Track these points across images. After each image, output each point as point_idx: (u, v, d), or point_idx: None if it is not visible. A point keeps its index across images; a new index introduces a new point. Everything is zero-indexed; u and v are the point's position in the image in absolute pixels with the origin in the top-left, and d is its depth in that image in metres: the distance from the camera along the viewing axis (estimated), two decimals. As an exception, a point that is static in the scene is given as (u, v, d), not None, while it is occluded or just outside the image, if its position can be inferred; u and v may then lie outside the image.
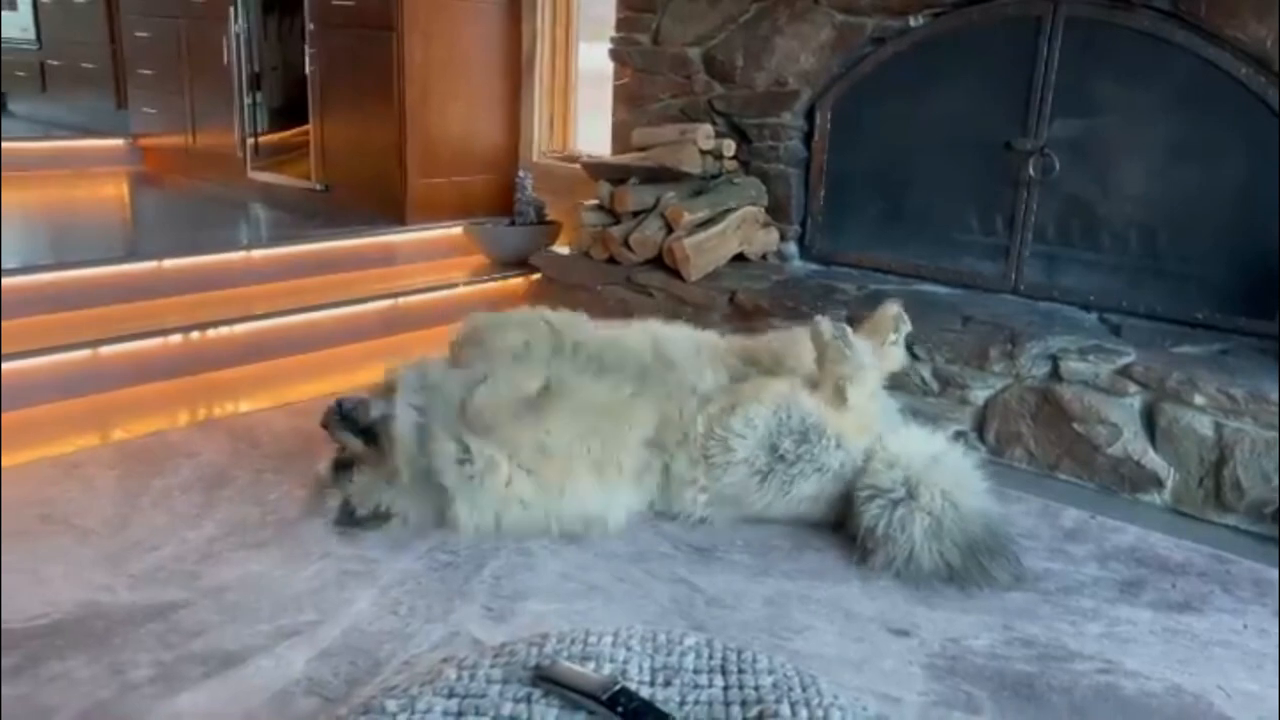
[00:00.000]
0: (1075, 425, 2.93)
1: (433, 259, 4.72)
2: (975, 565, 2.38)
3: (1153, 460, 2.84)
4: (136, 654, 1.98)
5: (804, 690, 1.11)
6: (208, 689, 1.89)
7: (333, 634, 2.08)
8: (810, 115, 3.91)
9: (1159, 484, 2.83)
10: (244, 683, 1.91)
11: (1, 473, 2.73)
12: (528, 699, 1.07)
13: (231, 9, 5.18)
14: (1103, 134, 3.35)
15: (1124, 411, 2.87)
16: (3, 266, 3.54)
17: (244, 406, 3.39)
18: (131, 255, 4.06)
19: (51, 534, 2.43)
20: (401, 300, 4.24)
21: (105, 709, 1.82)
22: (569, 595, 2.28)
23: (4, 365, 3.16)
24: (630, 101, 4.34)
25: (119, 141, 6.05)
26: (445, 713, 1.06)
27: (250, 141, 5.40)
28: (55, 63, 6.72)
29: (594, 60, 4.71)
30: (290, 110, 5.24)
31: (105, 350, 3.42)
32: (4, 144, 5.59)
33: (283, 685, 1.91)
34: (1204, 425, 2.75)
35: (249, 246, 4.35)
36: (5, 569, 2.24)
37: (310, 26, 4.86)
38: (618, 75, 4.39)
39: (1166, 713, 1.95)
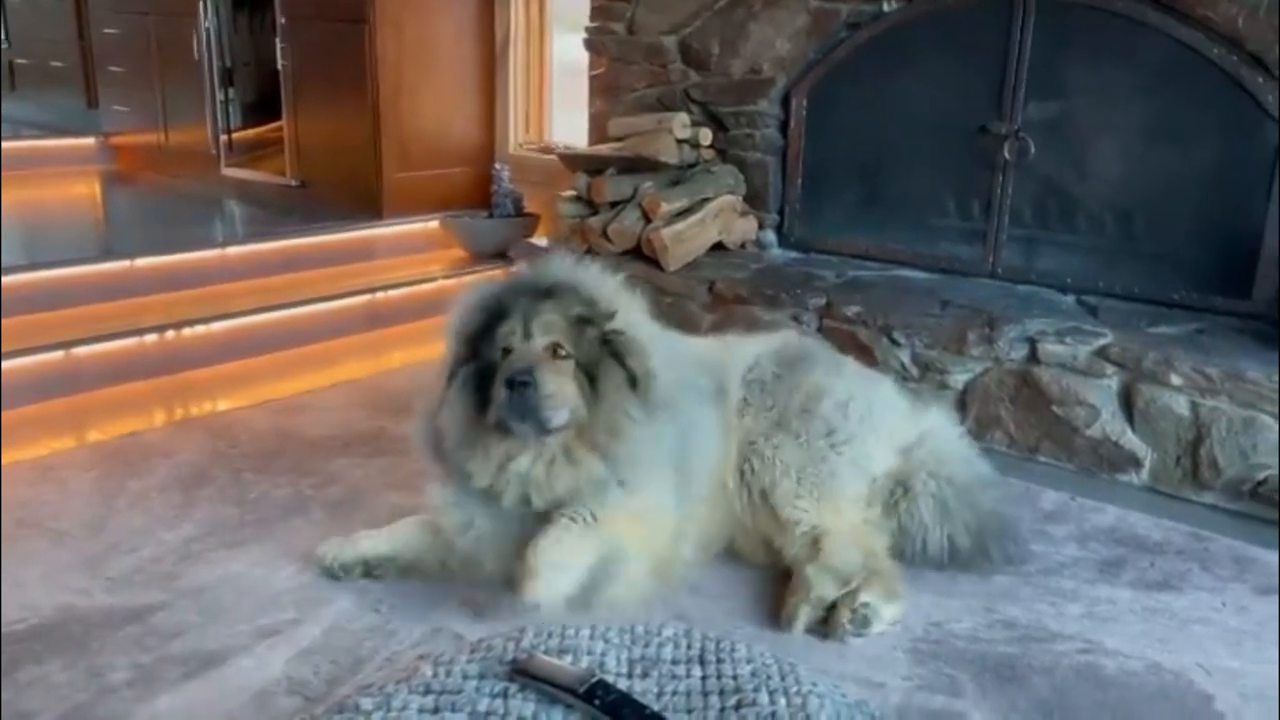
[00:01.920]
0: (1054, 407, 2.94)
1: (410, 253, 4.69)
2: (985, 543, 2.37)
3: (1131, 440, 2.85)
4: (114, 657, 1.96)
5: (782, 678, 1.11)
6: (187, 690, 1.88)
7: (313, 633, 2.06)
8: (786, 102, 3.90)
9: (1137, 464, 2.85)
10: (224, 683, 1.90)
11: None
12: (504, 694, 1.07)
13: (201, 4, 5.12)
14: (1077, 116, 3.36)
15: (1102, 393, 2.88)
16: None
17: (222, 405, 3.37)
18: (105, 255, 4.01)
19: (28, 538, 2.40)
20: (380, 295, 4.21)
21: (83, 712, 1.81)
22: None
23: (-23, 368, 3.12)
24: (606, 91, 4.31)
25: (90, 140, 5.98)
26: (421, 710, 1.05)
27: (224, 138, 5.35)
28: (24, 61, 6.64)
29: (569, 51, 4.69)
30: (263, 106, 5.19)
31: (80, 351, 3.38)
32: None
33: (263, 685, 1.90)
34: (1180, 405, 2.76)
35: (224, 244, 4.31)
36: (-20, 574, 2.22)
37: (281, 20, 4.82)
38: (593, 65, 4.37)
39: (1146, 690, 1.97)
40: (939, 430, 2.54)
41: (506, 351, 2.10)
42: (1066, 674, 2.01)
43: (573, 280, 2.19)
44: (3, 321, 3.41)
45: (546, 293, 2.13)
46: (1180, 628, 2.19)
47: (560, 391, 2.06)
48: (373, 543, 2.29)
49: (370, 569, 2.26)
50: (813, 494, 2.32)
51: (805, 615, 2.12)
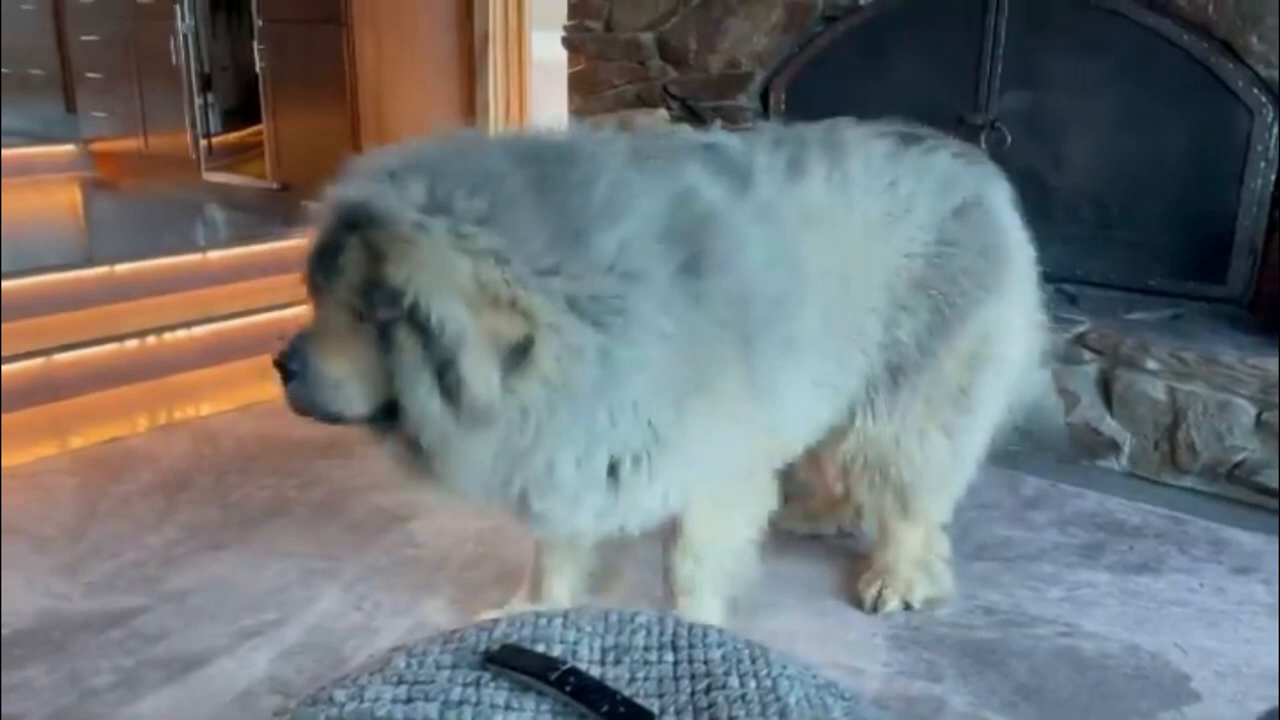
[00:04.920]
0: (1033, 395, 2.96)
1: (393, 254, 4.68)
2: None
3: (1109, 426, 2.87)
4: (97, 660, 1.96)
5: (753, 662, 1.12)
6: (170, 693, 1.88)
7: (296, 633, 2.07)
8: (765, 97, 3.91)
9: (1116, 449, 2.87)
10: (206, 685, 1.90)
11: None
12: (477, 683, 1.07)
13: (177, 8, 5.11)
14: (1051, 106, 3.37)
15: (1080, 379, 2.91)
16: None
17: (205, 410, 3.36)
18: (87, 261, 4.00)
19: (9, 544, 2.40)
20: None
21: (66, 716, 1.81)
22: (534, 583, 2.28)
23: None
24: (585, 89, 4.32)
25: (70, 147, 5.96)
26: (394, 700, 1.05)
27: (204, 142, 5.33)
28: (4, 70, 6.60)
29: (547, 48, 4.69)
30: (243, 110, 5.18)
31: (61, 357, 3.37)
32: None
33: (246, 686, 1.90)
34: (1157, 389, 2.79)
35: (206, 248, 4.30)
36: (-39, 581, 2.21)
37: (259, 23, 4.81)
38: (572, 62, 4.37)
39: (1124, 671, 1.99)
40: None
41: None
42: (1046, 657, 2.03)
43: (390, 207, 1.47)
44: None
45: (349, 224, 1.50)
46: (1158, 609, 2.21)
47: (340, 375, 1.52)
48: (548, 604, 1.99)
49: None
50: (947, 492, 2.19)
51: (894, 604, 2.17)
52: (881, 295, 1.96)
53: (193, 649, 2.00)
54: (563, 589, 2.04)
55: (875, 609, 2.18)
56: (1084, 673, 1.98)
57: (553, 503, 1.68)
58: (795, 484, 2.27)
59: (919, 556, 2.21)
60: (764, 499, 1.90)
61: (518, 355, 1.48)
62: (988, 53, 3.37)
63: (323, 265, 1.53)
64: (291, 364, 1.53)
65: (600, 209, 1.57)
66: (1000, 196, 2.13)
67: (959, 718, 1.86)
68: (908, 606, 2.18)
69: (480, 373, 1.46)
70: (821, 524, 2.48)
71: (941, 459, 2.07)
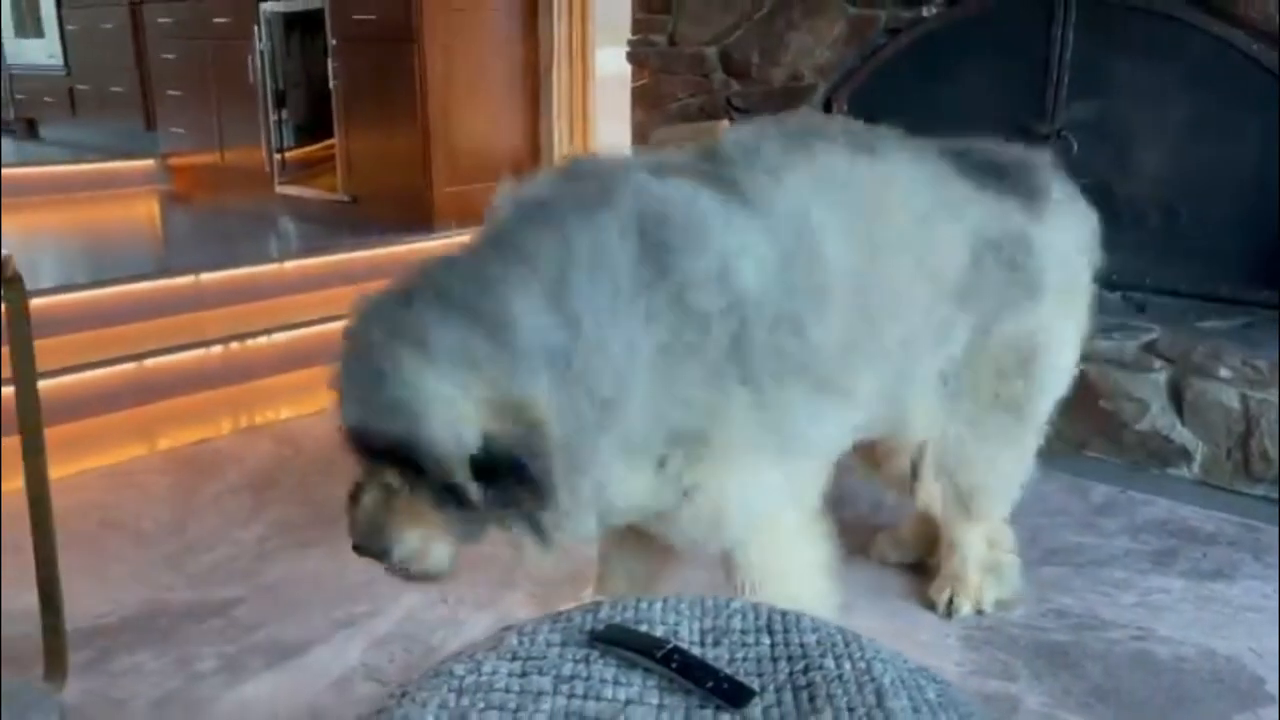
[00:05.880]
0: (1102, 402, 2.96)
1: (462, 263, 4.79)
2: None
3: (1181, 434, 2.87)
4: (200, 647, 2.06)
5: (846, 645, 1.17)
6: (270, 678, 1.97)
7: (386, 624, 2.16)
8: (828, 108, 3.96)
9: (1188, 457, 2.86)
10: (304, 671, 2.00)
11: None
12: (586, 659, 1.14)
13: (256, 28, 5.29)
14: (1119, 114, 3.38)
15: (1151, 387, 2.91)
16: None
17: (284, 414, 3.48)
18: (167, 271, 4.16)
19: (112, 537, 2.52)
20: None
21: (175, 699, 1.91)
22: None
23: (51, 381, 3.24)
24: (649, 102, 4.40)
25: (149, 161, 6.18)
26: (510, 674, 1.12)
27: (277, 157, 5.51)
28: (84, 87, 6.86)
29: (611, 63, 4.79)
30: (315, 125, 5.34)
31: (150, 363, 3.51)
32: (36, 169, 5.78)
33: (341, 673, 1.99)
34: (1230, 397, 2.78)
35: (281, 259, 4.44)
36: (71, 571, 2.31)
37: (333, 42, 4.96)
38: (635, 76, 4.46)
39: (1200, 675, 2.00)
40: None
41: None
42: (1120, 660, 2.05)
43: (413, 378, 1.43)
44: (74, 337, 3.55)
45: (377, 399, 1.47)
46: (1233, 615, 2.21)
47: (414, 546, 1.55)
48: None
49: None
50: (1007, 491, 2.18)
51: (967, 609, 2.20)
52: (933, 302, 1.88)
53: (290, 638, 2.10)
54: (621, 586, 2.05)
55: (949, 614, 2.21)
56: (1159, 675, 1.99)
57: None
58: (885, 512, 2.30)
59: (986, 559, 2.23)
60: (810, 528, 1.81)
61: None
62: (1054, 62, 3.38)
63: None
64: (374, 549, 1.56)
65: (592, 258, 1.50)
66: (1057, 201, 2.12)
67: (1035, 717, 1.88)
68: (980, 611, 2.21)
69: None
70: (913, 552, 2.45)
71: (1000, 461, 2.09)
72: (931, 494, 2.13)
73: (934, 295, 1.87)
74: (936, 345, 1.93)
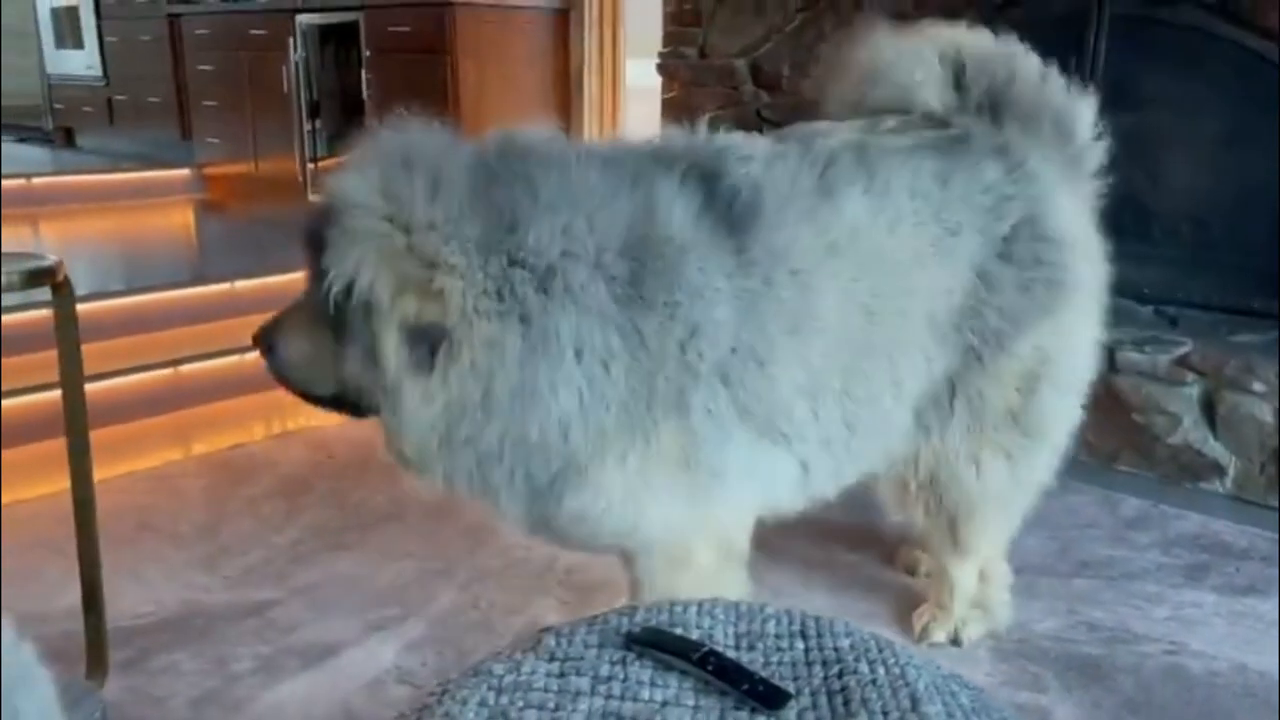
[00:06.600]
0: (1134, 416, 2.95)
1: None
2: None
3: (1213, 448, 2.85)
4: (237, 647, 2.10)
5: (880, 651, 1.18)
6: (306, 679, 2.00)
7: (419, 628, 2.18)
8: (857, 120, 3.97)
9: (1220, 471, 2.84)
10: (339, 673, 2.02)
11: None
12: (623, 661, 1.15)
13: (291, 40, 5.38)
14: (1151, 128, 3.37)
15: (1183, 401, 2.89)
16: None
17: (317, 419, 3.52)
18: (203, 278, 4.22)
19: (150, 539, 2.57)
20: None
21: (213, 698, 1.94)
22: (640, 588, 2.36)
23: (90, 386, 3.29)
24: (679, 113, 4.42)
25: (184, 171, 6.28)
26: (548, 674, 1.14)
27: (310, 166, 5.58)
28: (121, 97, 6.98)
29: (642, 75, 4.82)
30: (348, 135, 5.39)
31: (185, 369, 3.57)
32: (74, 178, 5.90)
33: (375, 675, 2.02)
34: (1263, 411, 2.76)
35: (315, 267, 4.49)
36: (110, 572, 2.36)
37: (367, 53, 5.03)
38: (666, 88, 4.49)
39: (1233, 690, 1.98)
40: None
41: None
42: (1152, 673, 2.04)
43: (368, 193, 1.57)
44: (110, 343, 3.61)
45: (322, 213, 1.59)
46: (1267, 630, 2.19)
47: (300, 357, 1.63)
48: None
49: None
50: (1003, 522, 2.09)
51: (940, 637, 2.14)
52: (924, 328, 1.81)
53: (324, 639, 2.13)
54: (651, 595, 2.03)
55: (920, 640, 2.11)
56: (1192, 689, 1.99)
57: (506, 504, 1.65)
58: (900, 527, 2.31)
59: (974, 594, 2.13)
60: (728, 576, 1.74)
61: (424, 339, 1.49)
62: (1085, 75, 3.37)
63: (305, 252, 1.60)
64: (265, 340, 1.65)
65: (544, 201, 1.55)
66: (1062, 206, 2.03)
67: (1065, 729, 1.88)
68: (955, 642, 2.12)
69: (389, 352, 1.49)
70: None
71: (999, 485, 1.96)
72: (919, 524, 2.08)
73: (916, 334, 1.80)
74: (915, 386, 1.84)
